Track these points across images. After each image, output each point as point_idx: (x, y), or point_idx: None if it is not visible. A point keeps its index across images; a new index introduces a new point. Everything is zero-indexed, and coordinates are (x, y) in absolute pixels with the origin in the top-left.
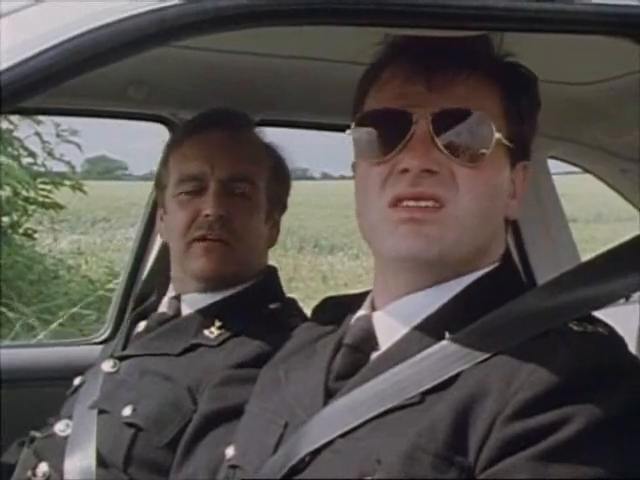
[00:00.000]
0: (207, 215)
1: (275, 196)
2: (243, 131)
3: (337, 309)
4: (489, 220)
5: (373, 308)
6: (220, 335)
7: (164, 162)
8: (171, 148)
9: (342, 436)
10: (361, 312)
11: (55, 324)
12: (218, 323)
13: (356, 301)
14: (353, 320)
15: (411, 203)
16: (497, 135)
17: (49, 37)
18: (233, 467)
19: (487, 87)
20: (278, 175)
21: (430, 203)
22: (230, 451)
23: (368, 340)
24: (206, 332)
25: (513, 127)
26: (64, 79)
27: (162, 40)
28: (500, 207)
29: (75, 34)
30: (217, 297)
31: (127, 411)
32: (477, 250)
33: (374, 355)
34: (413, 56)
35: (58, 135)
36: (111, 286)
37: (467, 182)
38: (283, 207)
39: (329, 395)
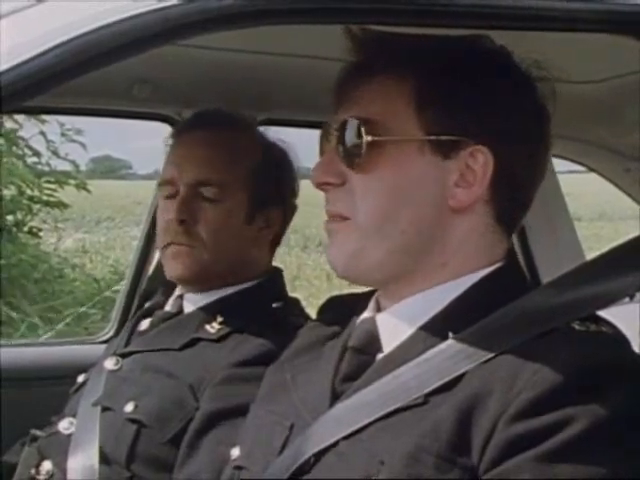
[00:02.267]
0: (171, 220)
1: (262, 195)
2: (223, 131)
3: (342, 309)
4: (402, 218)
5: (378, 309)
6: (220, 330)
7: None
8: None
9: (346, 438)
10: (366, 314)
11: (61, 324)
12: (219, 319)
13: (361, 301)
14: (358, 322)
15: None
16: (368, 138)
17: (52, 36)
18: (238, 468)
19: (394, 86)
20: (266, 172)
21: (337, 217)
22: (235, 452)
23: (372, 342)
24: (207, 327)
25: (432, 116)
26: (68, 78)
27: (165, 39)
28: (427, 202)
29: (78, 33)
30: (218, 295)
31: (129, 407)
32: (406, 246)
33: (379, 357)
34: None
35: (63, 134)
36: (116, 286)
37: (360, 188)
38: (279, 203)
39: (335, 397)
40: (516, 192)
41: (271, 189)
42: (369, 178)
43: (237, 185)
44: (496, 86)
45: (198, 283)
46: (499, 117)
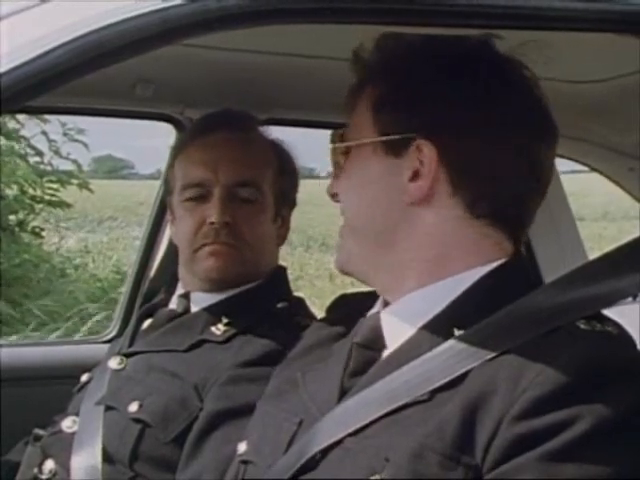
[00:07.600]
0: (212, 223)
1: (282, 194)
2: (248, 132)
3: (352, 307)
4: (369, 216)
5: (386, 306)
6: (226, 332)
7: (170, 166)
8: (176, 152)
9: (352, 434)
10: (373, 310)
11: (62, 322)
12: (225, 320)
13: (371, 299)
14: (365, 318)
15: None
16: (336, 145)
17: (54, 37)
18: (244, 462)
19: (365, 92)
20: (284, 173)
21: None
22: (242, 446)
23: (376, 339)
24: (213, 328)
25: (384, 119)
26: (70, 78)
27: (166, 40)
28: (387, 200)
29: (80, 34)
30: (225, 295)
31: (133, 407)
32: (377, 241)
33: (385, 353)
34: None
35: (65, 134)
36: (119, 279)
37: (341, 193)
38: (292, 204)
39: (344, 393)
40: (484, 185)
41: (288, 187)
42: (342, 182)
43: (266, 184)
44: (438, 80)
45: (227, 282)
46: (441, 110)
